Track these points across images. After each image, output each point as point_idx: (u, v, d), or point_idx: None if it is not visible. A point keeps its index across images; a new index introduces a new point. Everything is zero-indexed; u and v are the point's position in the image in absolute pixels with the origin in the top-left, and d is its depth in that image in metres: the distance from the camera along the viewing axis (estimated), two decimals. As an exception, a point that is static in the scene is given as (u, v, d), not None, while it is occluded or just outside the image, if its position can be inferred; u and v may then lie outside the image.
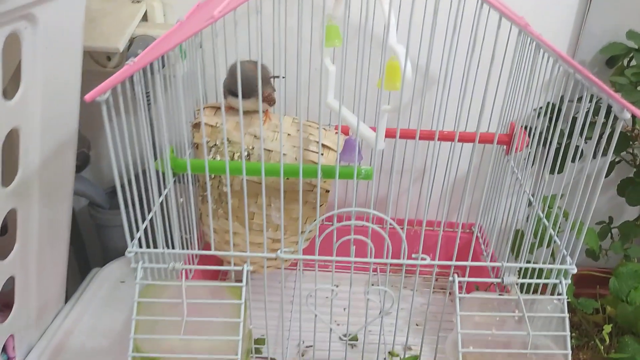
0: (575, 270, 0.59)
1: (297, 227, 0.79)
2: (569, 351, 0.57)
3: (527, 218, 0.73)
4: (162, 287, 0.59)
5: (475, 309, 0.60)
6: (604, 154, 0.88)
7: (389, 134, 0.83)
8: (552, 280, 0.59)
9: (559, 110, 0.89)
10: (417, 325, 0.87)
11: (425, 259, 0.58)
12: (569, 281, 0.59)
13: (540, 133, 0.74)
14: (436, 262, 0.58)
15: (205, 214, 0.81)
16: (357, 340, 0.84)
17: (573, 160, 0.64)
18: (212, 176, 0.77)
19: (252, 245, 0.78)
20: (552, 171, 0.89)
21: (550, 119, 0.88)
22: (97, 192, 0.96)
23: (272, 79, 0.77)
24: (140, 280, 0.58)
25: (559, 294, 0.59)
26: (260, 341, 0.81)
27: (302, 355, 0.83)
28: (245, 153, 0.75)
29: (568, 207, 0.84)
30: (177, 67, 0.83)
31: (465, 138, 0.80)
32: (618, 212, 0.98)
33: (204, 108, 0.77)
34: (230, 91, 0.71)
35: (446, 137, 0.80)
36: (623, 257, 0.86)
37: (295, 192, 0.74)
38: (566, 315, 0.58)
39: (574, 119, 0.86)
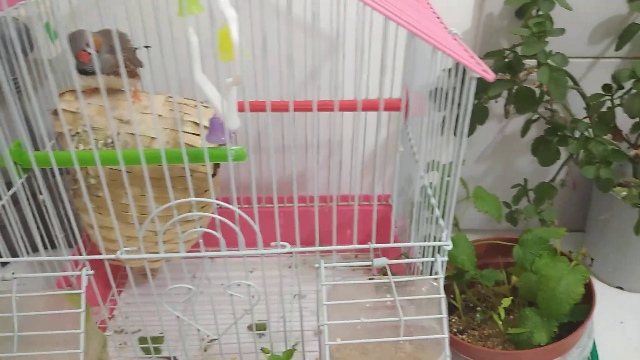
0: (450, 246, 0.54)
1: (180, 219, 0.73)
2: (446, 335, 0.52)
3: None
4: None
5: (351, 296, 0.55)
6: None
7: (279, 108, 0.76)
8: (426, 259, 0.54)
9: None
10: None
11: (285, 246, 0.53)
12: (445, 258, 0.54)
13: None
14: (297, 248, 0.53)
15: (81, 209, 0.75)
16: (265, 329, 0.79)
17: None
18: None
19: (131, 240, 0.72)
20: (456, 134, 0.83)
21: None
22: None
23: (134, 50, 0.69)
24: (-33, 293, 0.52)
25: (436, 273, 0.54)
26: (158, 340, 0.76)
27: (205, 350, 0.78)
28: (110, 140, 0.68)
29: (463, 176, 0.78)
30: (47, 49, 0.76)
31: (351, 107, 0.73)
32: (543, 174, 0.93)
33: (63, 93, 0.70)
34: (78, 69, 0.64)
35: (324, 106, 0.74)
36: (539, 220, 0.81)
37: (171, 179, 0.68)
38: (442, 296, 0.53)
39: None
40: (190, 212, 0.74)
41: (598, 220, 0.87)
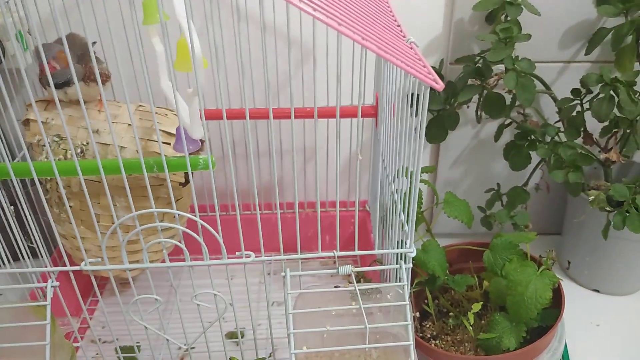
0: (414, 253, 0.54)
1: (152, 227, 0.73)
2: (411, 342, 0.52)
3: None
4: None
5: (319, 304, 0.55)
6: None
7: (258, 115, 0.77)
8: (390, 266, 0.54)
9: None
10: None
11: (249, 256, 0.53)
12: (409, 265, 0.54)
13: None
14: (262, 257, 0.53)
15: (54, 219, 0.74)
16: (243, 336, 0.79)
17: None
18: (49, 178, 0.70)
19: (111, 250, 0.72)
20: (429, 140, 0.84)
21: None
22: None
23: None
24: None
25: (400, 280, 0.54)
26: (131, 349, 0.76)
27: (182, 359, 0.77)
28: (79, 150, 0.68)
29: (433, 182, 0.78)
30: (18, 59, 0.76)
31: (328, 114, 0.74)
32: (518, 179, 0.93)
33: (30, 104, 0.70)
34: (42, 82, 0.64)
35: (302, 114, 0.74)
36: (511, 225, 0.82)
37: (141, 188, 0.67)
38: (407, 303, 0.53)
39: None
40: (162, 220, 0.74)
41: (573, 223, 0.87)
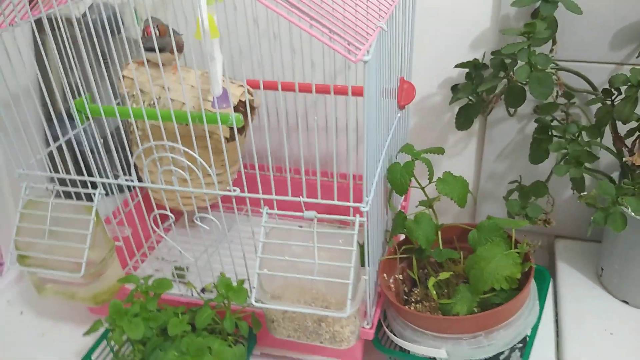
0: (367, 209, 0.63)
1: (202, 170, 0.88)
2: (350, 282, 0.62)
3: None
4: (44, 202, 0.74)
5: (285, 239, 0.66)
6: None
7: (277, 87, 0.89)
8: (346, 218, 0.64)
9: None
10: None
11: (236, 190, 0.66)
12: (363, 219, 0.63)
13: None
14: (246, 194, 0.66)
15: (134, 143, 0.94)
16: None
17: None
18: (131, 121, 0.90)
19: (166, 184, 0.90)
20: (457, 127, 0.89)
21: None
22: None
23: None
24: (24, 196, 0.74)
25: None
26: (179, 269, 0.93)
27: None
28: (152, 102, 0.87)
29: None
30: (132, 30, 0.98)
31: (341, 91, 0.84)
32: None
33: (128, 63, 0.90)
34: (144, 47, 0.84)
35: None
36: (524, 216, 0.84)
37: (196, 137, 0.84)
38: (353, 249, 0.62)
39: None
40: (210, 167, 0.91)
41: (610, 230, 0.86)
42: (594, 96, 0.82)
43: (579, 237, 0.98)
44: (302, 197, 0.64)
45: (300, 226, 0.65)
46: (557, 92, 0.85)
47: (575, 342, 0.80)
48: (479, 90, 0.81)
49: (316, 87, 0.79)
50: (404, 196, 1.00)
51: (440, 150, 0.80)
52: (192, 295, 0.77)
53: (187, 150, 0.71)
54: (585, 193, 0.73)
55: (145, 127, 0.89)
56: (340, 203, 0.63)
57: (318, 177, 0.67)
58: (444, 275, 0.71)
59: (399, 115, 0.84)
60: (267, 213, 0.66)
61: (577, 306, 0.87)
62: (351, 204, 0.63)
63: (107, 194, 0.77)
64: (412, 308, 0.77)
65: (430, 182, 0.75)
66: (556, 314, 0.88)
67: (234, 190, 0.67)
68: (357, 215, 0.63)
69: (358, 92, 0.85)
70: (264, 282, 0.66)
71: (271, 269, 0.65)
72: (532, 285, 0.73)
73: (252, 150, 0.75)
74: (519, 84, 0.80)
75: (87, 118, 0.85)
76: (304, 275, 0.63)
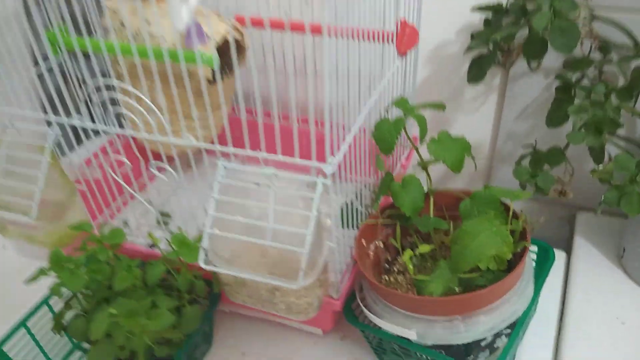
0: (330, 171, 0.55)
1: (183, 111, 0.81)
2: (304, 251, 0.55)
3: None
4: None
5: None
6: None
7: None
8: (308, 178, 0.56)
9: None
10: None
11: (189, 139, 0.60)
12: (327, 181, 0.55)
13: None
14: (218, 148, 0.59)
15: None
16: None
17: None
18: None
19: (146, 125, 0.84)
20: (468, 80, 0.78)
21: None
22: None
23: None
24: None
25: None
26: (165, 215, 0.89)
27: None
28: (131, 36, 0.80)
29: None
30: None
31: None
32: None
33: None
34: None
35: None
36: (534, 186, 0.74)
37: (175, 77, 0.77)
38: (312, 214, 0.55)
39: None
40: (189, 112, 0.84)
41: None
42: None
43: (602, 211, 0.87)
44: (260, 150, 0.56)
45: (257, 183, 0.58)
46: (591, 46, 0.73)
47: (579, 330, 0.71)
48: (493, 38, 0.69)
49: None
50: (407, 154, 0.91)
51: (440, 106, 0.70)
52: (151, 247, 0.72)
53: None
54: (601, 167, 0.62)
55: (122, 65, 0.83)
56: (301, 161, 0.55)
57: (276, 126, 0.57)
58: (423, 248, 0.63)
59: (397, 64, 0.73)
60: (224, 167, 0.59)
61: (589, 288, 0.77)
62: (313, 163, 0.55)
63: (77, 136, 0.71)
64: (393, 279, 0.69)
65: (421, 143, 0.66)
66: (564, 295, 0.79)
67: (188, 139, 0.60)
68: (320, 177, 0.55)
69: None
70: (217, 243, 0.60)
71: (228, 230, 0.58)
72: (527, 266, 0.64)
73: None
74: (541, 36, 0.68)
75: (60, 50, 0.79)
76: (255, 240, 0.56)
